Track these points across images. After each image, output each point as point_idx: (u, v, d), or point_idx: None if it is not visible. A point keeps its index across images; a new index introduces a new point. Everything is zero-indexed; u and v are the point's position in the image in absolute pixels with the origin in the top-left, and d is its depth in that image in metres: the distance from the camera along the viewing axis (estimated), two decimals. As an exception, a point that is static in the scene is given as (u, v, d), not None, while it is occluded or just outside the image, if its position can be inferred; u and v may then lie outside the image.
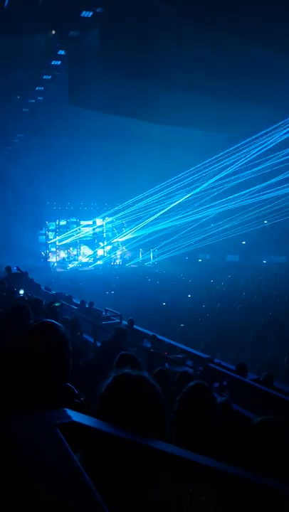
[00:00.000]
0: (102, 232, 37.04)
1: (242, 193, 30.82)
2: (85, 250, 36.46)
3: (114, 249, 37.16)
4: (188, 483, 0.81)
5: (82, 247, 36.35)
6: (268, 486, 0.86)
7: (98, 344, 7.80)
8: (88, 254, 36.27)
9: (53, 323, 1.63)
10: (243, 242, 34.90)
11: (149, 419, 1.06)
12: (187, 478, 0.82)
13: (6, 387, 1.44)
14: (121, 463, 0.80)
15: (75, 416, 0.77)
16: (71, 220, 36.24)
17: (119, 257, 37.01)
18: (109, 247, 36.95)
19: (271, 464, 1.92)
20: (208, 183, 31.41)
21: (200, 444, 1.82)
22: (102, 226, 36.98)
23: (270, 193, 29.78)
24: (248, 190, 30.47)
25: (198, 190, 32.26)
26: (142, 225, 35.40)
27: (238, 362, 7.67)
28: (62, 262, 35.08)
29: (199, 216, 33.44)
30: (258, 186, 29.88)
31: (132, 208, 34.86)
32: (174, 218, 34.14)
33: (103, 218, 36.86)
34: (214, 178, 31.06)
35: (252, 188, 30.28)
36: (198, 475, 0.82)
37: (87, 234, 36.43)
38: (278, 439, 2.04)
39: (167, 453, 0.81)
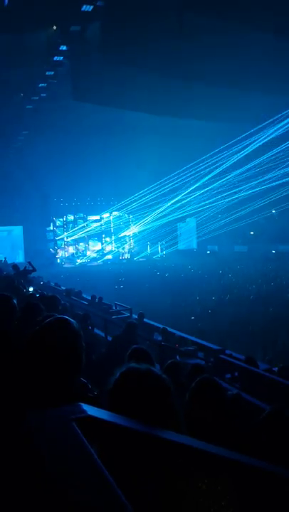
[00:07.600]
0: (109, 226, 37.05)
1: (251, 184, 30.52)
2: (93, 245, 36.51)
3: (122, 244, 37.17)
4: (204, 473, 0.83)
5: (90, 242, 36.40)
6: (281, 474, 0.88)
7: (109, 338, 7.86)
8: (96, 250, 36.32)
9: (67, 318, 1.65)
10: (252, 233, 34.70)
11: (158, 410, 1.07)
12: (202, 468, 0.83)
13: (20, 383, 1.47)
14: (137, 456, 0.81)
15: (91, 410, 0.79)
16: (78, 215, 36.28)
17: (127, 251, 37.01)
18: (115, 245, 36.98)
19: (283, 452, 1.93)
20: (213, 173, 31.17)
21: (212, 435, 1.84)
22: (109, 221, 36.99)
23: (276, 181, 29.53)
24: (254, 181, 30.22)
25: (203, 179, 32.04)
26: (148, 218, 35.37)
27: (247, 354, 7.63)
28: (71, 258, 35.17)
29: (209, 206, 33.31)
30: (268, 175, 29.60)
31: (138, 202, 34.82)
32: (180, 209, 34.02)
33: (110, 213, 36.84)
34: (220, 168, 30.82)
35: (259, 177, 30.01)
36: (212, 465, 0.83)
37: (94, 229, 36.47)
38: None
39: (183, 444, 0.83)
